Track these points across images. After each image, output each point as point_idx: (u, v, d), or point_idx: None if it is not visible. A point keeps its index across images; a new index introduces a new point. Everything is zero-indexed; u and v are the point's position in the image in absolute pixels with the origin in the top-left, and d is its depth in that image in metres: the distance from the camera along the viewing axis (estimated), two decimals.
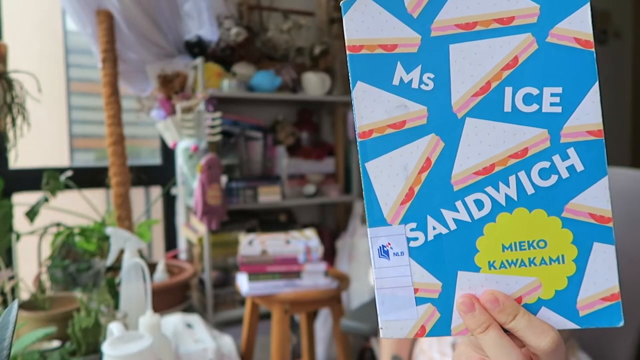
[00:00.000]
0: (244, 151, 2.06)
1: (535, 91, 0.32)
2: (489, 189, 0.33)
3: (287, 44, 2.11)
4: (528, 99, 0.32)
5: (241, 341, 1.59)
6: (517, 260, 0.33)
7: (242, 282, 1.47)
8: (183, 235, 2.12)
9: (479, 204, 0.34)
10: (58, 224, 1.66)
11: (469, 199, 0.34)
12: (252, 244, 1.45)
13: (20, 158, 1.60)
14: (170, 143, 1.95)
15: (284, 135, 2.23)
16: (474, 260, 0.34)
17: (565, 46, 0.32)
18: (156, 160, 2.24)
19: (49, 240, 1.73)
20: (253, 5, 2.18)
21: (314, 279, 1.44)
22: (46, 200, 1.68)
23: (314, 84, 2.12)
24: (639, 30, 3.45)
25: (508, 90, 0.33)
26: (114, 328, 0.90)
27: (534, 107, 0.32)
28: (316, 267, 1.44)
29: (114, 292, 1.20)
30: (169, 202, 2.21)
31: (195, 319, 1.38)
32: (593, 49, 0.32)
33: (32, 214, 1.64)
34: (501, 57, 0.32)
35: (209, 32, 1.93)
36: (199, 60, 1.86)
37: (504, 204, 0.33)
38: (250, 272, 1.42)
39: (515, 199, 0.33)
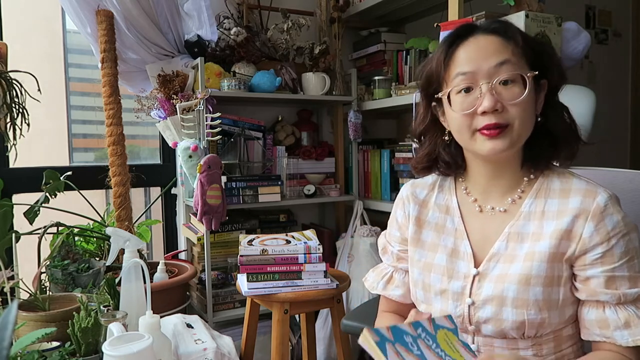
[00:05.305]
0: (243, 151, 2.05)
1: None
2: None
3: (287, 44, 2.11)
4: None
5: (241, 341, 1.59)
6: None
7: (242, 282, 1.47)
8: (183, 235, 2.11)
9: None
10: (58, 224, 1.66)
11: None
12: (252, 244, 1.45)
13: (20, 158, 1.60)
14: (170, 143, 1.95)
15: (284, 135, 2.23)
16: None
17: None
18: (156, 160, 2.24)
19: (49, 240, 1.73)
20: (253, 5, 2.18)
21: (314, 279, 1.44)
22: (46, 200, 1.68)
23: (314, 84, 2.12)
24: (639, 30, 3.45)
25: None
26: (114, 328, 0.90)
27: None
28: (316, 267, 1.44)
29: (114, 292, 1.20)
30: (169, 202, 2.21)
31: (195, 319, 1.38)
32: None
33: (31, 214, 1.64)
34: None
35: (208, 32, 1.93)
36: (198, 60, 1.85)
37: None
38: (250, 272, 1.42)
39: None
